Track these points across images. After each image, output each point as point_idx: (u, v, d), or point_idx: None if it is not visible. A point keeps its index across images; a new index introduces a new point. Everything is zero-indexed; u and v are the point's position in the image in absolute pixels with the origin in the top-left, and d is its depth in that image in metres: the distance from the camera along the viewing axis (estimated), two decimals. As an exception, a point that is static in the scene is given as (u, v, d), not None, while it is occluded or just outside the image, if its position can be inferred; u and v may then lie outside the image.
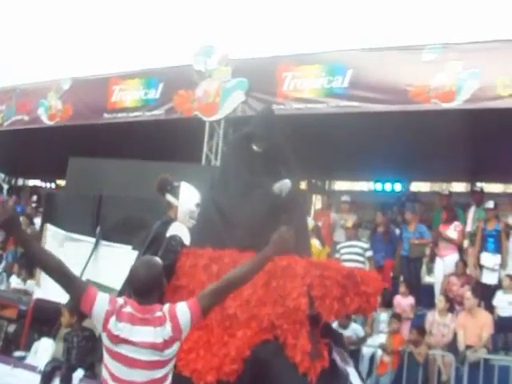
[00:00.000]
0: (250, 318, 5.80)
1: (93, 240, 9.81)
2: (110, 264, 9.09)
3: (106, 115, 14.39)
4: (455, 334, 9.90)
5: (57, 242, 10.15)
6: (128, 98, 14.09)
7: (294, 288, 5.66)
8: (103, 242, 9.73)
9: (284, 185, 6.56)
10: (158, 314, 4.12)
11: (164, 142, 13.39)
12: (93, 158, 11.86)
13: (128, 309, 4.11)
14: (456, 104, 10.85)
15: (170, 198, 6.74)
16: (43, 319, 9.45)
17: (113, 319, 4.04)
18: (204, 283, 5.84)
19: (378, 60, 11.61)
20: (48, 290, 9.20)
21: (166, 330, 4.09)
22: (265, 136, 6.71)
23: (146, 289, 4.19)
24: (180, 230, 6.51)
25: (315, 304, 5.64)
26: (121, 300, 4.18)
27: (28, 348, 9.28)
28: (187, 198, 6.73)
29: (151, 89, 13.68)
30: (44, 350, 8.85)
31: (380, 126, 11.62)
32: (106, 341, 4.07)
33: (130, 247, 8.30)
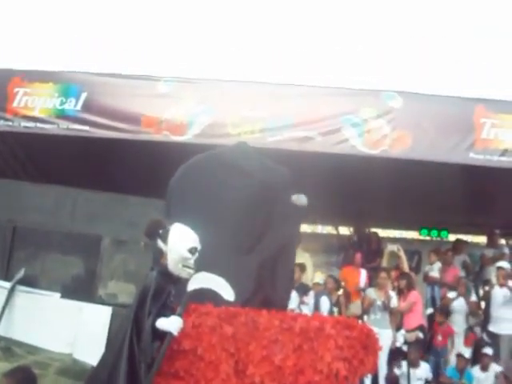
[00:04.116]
0: (282, 387, 5.10)
1: (5, 284, 7.51)
2: (31, 316, 7.13)
3: None
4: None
5: None
6: None
7: (328, 351, 5.27)
8: (20, 288, 7.47)
9: (301, 197, 6.26)
10: None
11: None
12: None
13: None
14: (186, 138, 11.09)
15: (160, 243, 5.70)
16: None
17: None
18: (215, 347, 5.25)
19: (113, 86, 11.34)
20: None
21: None
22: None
23: None
24: (211, 282, 5.58)
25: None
26: None
27: None
28: (177, 242, 5.67)
29: None
30: None
31: (113, 153, 11.37)
32: None
33: (57, 295, 6.90)
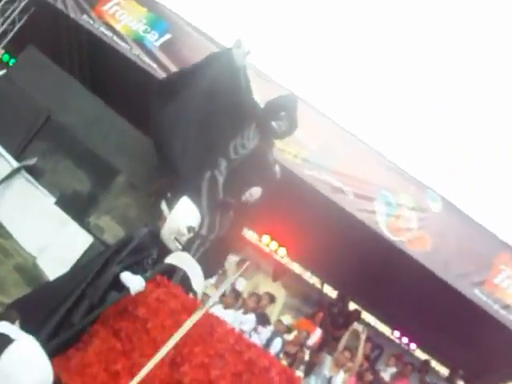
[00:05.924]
0: (204, 398, 4.95)
1: (13, 163, 7.20)
2: (19, 204, 6.86)
3: None
4: None
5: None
6: None
7: None
8: (24, 174, 7.13)
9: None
10: None
11: None
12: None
13: None
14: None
15: (164, 206, 5.78)
16: None
17: None
18: (165, 330, 5.12)
19: (197, 41, 11.19)
20: None
21: None
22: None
23: None
24: (184, 262, 5.52)
25: None
26: None
27: None
28: (180, 216, 5.71)
29: None
30: None
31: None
32: None
33: (52, 199, 6.72)
